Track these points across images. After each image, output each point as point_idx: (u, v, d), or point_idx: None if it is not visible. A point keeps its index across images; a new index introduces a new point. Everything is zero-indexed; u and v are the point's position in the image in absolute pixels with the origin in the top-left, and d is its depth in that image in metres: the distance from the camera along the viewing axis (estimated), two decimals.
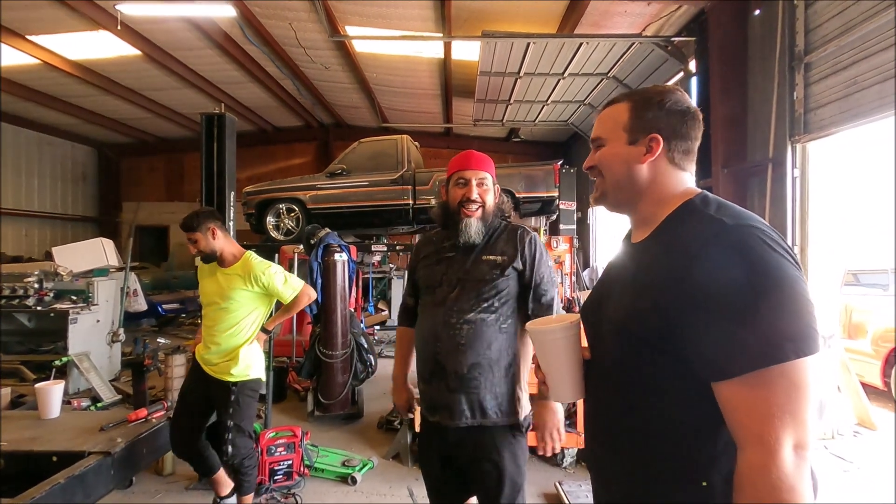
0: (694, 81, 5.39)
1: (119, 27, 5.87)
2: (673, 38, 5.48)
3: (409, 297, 1.88)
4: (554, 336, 1.04)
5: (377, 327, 7.97)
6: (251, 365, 2.52)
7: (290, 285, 2.55)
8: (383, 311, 8.86)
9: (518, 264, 1.68)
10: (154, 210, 12.44)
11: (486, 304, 1.64)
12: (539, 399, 1.65)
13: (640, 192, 0.98)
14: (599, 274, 1.75)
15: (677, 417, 0.86)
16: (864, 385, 4.32)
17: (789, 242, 3.91)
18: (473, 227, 1.68)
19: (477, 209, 1.69)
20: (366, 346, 4.36)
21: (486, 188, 1.72)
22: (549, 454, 1.65)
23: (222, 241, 2.48)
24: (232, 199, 3.17)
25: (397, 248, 7.24)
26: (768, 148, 4.22)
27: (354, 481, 3.18)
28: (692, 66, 5.45)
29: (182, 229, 2.46)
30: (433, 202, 6.90)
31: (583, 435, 1.33)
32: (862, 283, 5.61)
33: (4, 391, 3.83)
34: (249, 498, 2.61)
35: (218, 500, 2.65)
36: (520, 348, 1.69)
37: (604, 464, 1.02)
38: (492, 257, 1.68)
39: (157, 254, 11.97)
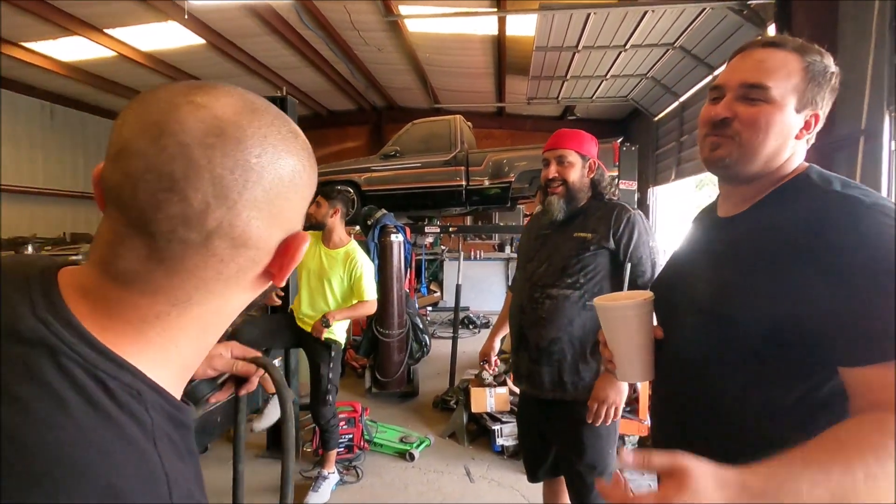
0: None
1: (186, 17, 6.11)
2: (749, 1, 5.04)
3: (518, 269, 1.99)
4: (624, 313, 0.99)
5: (429, 308, 8.05)
6: (342, 332, 2.81)
7: (370, 288, 2.73)
8: (435, 292, 8.94)
9: (610, 244, 1.67)
10: None
11: (570, 280, 1.66)
12: (605, 373, 1.62)
13: (774, 166, 0.87)
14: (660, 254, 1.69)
15: (775, 407, 0.79)
16: None
17: None
18: (555, 205, 1.73)
19: (558, 187, 1.74)
20: (421, 326, 4.42)
21: (568, 165, 1.74)
22: (597, 423, 1.60)
23: (336, 223, 2.70)
24: None
25: (450, 229, 7.24)
26: (860, 118, 3.82)
27: (412, 457, 3.25)
28: (771, 31, 5.00)
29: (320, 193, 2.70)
30: (486, 183, 6.83)
31: (647, 421, 1.27)
32: None
33: None
34: (334, 454, 2.84)
35: (324, 474, 2.83)
36: None
37: (672, 445, 0.96)
38: (582, 234, 1.69)
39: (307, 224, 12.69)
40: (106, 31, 7.08)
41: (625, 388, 1.62)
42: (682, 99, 7.63)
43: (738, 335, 0.82)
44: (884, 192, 3.66)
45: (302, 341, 2.77)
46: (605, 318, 1.03)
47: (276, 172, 0.44)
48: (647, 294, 1.00)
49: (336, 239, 2.70)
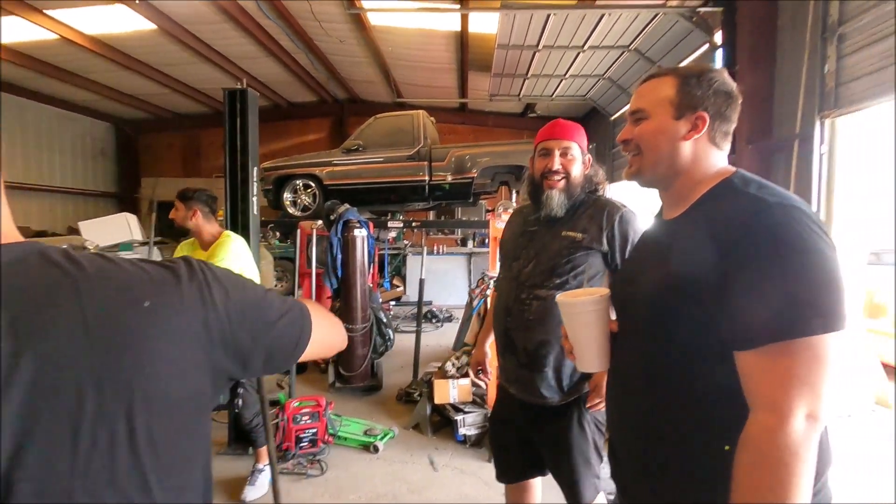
0: (719, 54, 5.23)
1: (138, 1, 5.84)
2: (698, 9, 5.30)
3: (502, 267, 1.89)
4: (584, 309, 1.07)
5: (393, 303, 8.06)
6: None
7: None
8: (398, 287, 8.95)
9: (603, 246, 1.58)
10: (172, 186, 12.34)
11: (559, 281, 1.58)
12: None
13: (680, 169, 0.99)
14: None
15: (705, 385, 0.89)
16: (883, 365, 4.30)
17: None
18: (556, 200, 1.61)
19: (560, 180, 1.62)
20: (384, 320, 4.44)
21: (571, 158, 1.64)
22: (596, 410, 1.65)
23: (201, 223, 2.57)
24: (255, 176, 3.21)
25: (413, 224, 7.27)
26: (795, 123, 4.12)
27: (376, 449, 3.29)
28: (718, 37, 5.28)
29: (176, 196, 2.59)
30: (449, 178, 6.89)
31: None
32: (885, 262, 5.52)
33: None
34: (265, 449, 2.79)
35: (259, 468, 2.82)
36: None
37: (629, 430, 1.06)
38: (572, 233, 1.61)
39: (176, 229, 12.15)
40: (46, 12, 6.67)
41: None
42: (643, 76, 7.91)
43: (676, 319, 0.91)
44: (814, 191, 3.97)
45: None
46: (566, 313, 1.11)
47: None
48: (604, 291, 1.09)
49: (207, 238, 2.59)
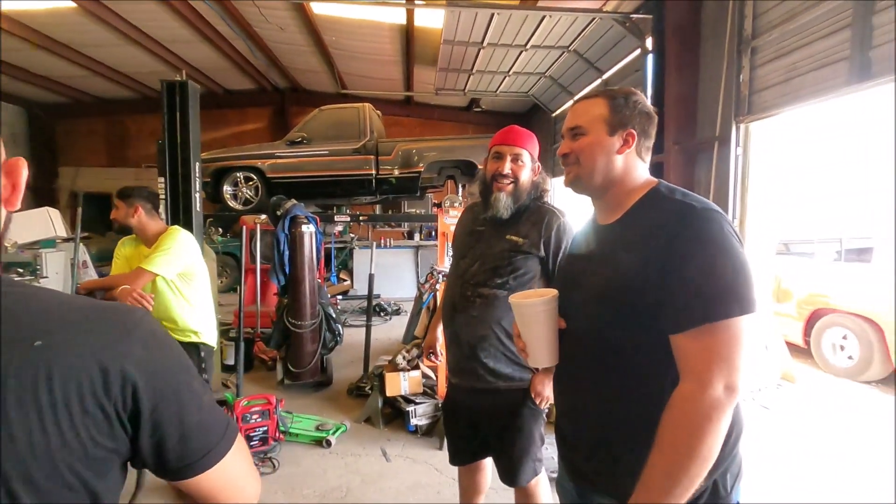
0: (650, 59, 5.58)
1: None
2: (631, 15, 5.63)
3: (452, 262, 1.98)
4: (536, 309, 1.14)
5: (340, 297, 8.00)
6: (212, 333, 2.63)
7: (154, 261, 2.25)
8: (345, 280, 8.88)
9: (541, 251, 1.70)
10: (95, 176, 11.65)
11: (500, 281, 1.71)
12: (544, 372, 1.76)
13: (614, 179, 1.12)
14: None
15: (647, 370, 1.03)
16: (787, 344, 4.82)
17: (731, 215, 4.24)
18: (502, 202, 1.71)
19: (508, 184, 1.72)
20: (333, 315, 4.44)
21: (521, 164, 1.74)
22: (543, 406, 1.79)
23: (144, 221, 2.40)
24: (197, 171, 3.10)
25: (360, 218, 7.24)
26: (715, 126, 4.50)
27: (329, 444, 3.32)
28: (649, 43, 5.64)
29: (115, 194, 2.43)
30: (396, 172, 6.92)
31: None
32: (792, 252, 6.16)
33: None
34: None
35: None
36: None
37: (582, 415, 1.16)
38: (514, 238, 1.72)
39: (101, 223, 11.33)
40: None
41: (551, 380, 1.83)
42: (576, 98, 8.27)
43: (623, 311, 1.03)
44: (731, 189, 4.38)
45: None
46: (520, 313, 1.18)
47: None
48: (553, 292, 1.16)
49: (151, 236, 2.43)
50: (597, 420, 1.11)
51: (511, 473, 1.80)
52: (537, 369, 1.80)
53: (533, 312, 1.15)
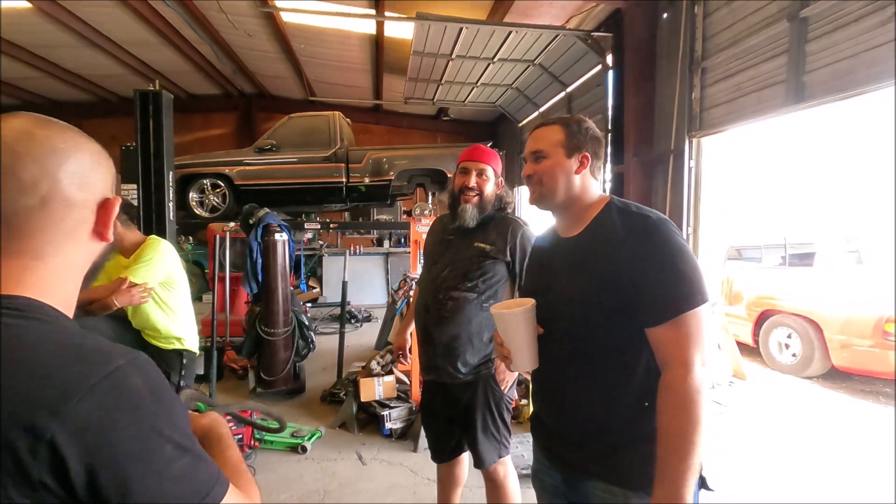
0: (611, 74, 5.89)
1: None
2: (592, 33, 5.92)
3: (424, 269, 2.13)
4: (517, 318, 1.23)
5: (309, 304, 7.96)
6: (194, 339, 2.66)
7: (137, 272, 2.27)
8: (314, 288, 8.84)
9: (507, 256, 1.89)
10: None
11: (470, 284, 1.88)
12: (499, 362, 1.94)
13: (573, 196, 1.27)
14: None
15: (626, 360, 1.17)
16: (738, 343, 5.16)
17: (685, 223, 4.50)
18: (468, 213, 1.90)
19: (474, 196, 1.91)
20: (306, 323, 4.46)
21: (485, 179, 1.93)
22: (505, 390, 1.96)
23: (120, 232, 2.37)
24: (171, 181, 3.11)
25: (330, 225, 7.25)
26: (671, 140, 4.81)
27: (305, 450, 3.36)
28: (609, 60, 5.94)
29: None
30: (366, 180, 6.98)
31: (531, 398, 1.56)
32: (743, 257, 6.57)
33: None
34: None
35: None
36: None
37: (564, 407, 1.28)
38: (482, 245, 1.90)
39: None
40: None
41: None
42: (541, 109, 8.57)
43: (602, 312, 1.16)
44: (685, 198, 4.68)
45: (149, 352, 2.55)
46: (502, 322, 1.26)
47: (80, 152, 0.63)
48: (531, 301, 1.25)
49: (129, 246, 2.43)
50: (584, 412, 1.23)
51: (476, 453, 1.94)
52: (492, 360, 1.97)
53: (514, 321, 1.23)
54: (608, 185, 5.67)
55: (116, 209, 0.67)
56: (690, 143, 4.61)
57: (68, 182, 0.61)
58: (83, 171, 0.63)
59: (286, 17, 6.93)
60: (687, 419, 1.05)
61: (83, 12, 6.94)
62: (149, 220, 3.06)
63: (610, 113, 5.89)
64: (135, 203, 2.60)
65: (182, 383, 2.54)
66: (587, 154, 1.25)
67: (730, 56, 4.13)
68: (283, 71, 9.43)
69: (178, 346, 2.48)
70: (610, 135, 5.74)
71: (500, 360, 1.38)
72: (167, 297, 2.41)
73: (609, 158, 5.61)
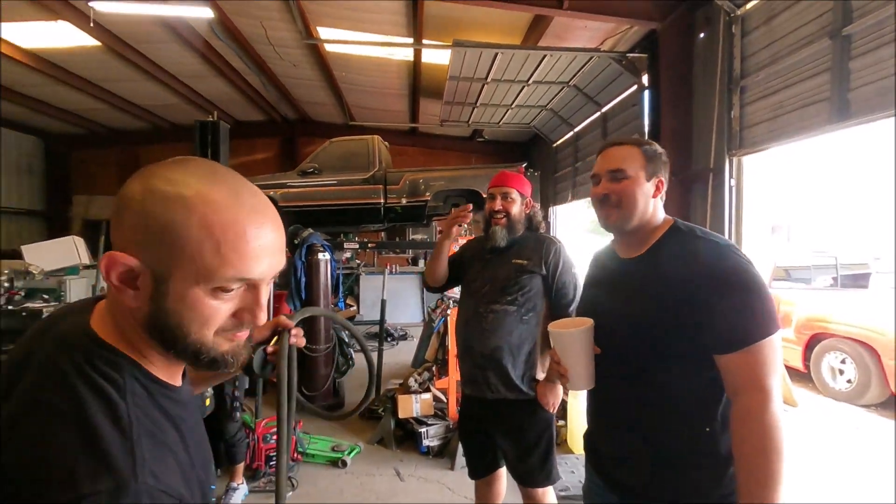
0: (646, 94, 5.89)
1: (92, 24, 5.73)
2: (627, 54, 5.96)
3: (463, 287, 2.18)
4: (575, 337, 1.23)
5: None
6: None
7: None
8: (352, 306, 9.03)
9: (542, 270, 1.99)
10: (107, 204, 11.92)
11: (510, 298, 1.96)
12: (545, 381, 1.97)
13: (647, 219, 1.26)
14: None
15: (686, 384, 1.16)
16: (787, 368, 4.95)
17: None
18: (498, 234, 2.03)
19: (502, 218, 2.04)
20: (346, 340, 4.59)
21: (511, 201, 2.05)
22: (553, 412, 1.99)
23: None
24: None
25: (368, 245, 7.43)
26: (710, 159, 4.74)
27: (344, 464, 3.44)
28: (644, 79, 5.95)
29: None
30: (403, 201, 7.16)
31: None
32: (791, 277, 6.33)
33: None
34: (242, 466, 3.00)
35: (234, 486, 2.90)
36: (538, 337, 2.01)
37: (623, 430, 1.26)
38: (518, 261, 2.00)
39: None
40: None
41: (560, 391, 1.99)
42: (576, 129, 8.61)
43: (664, 334, 1.15)
44: (726, 218, 4.59)
45: None
46: (560, 341, 1.25)
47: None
48: (590, 321, 1.24)
49: None
50: (642, 435, 1.22)
51: (533, 478, 1.96)
52: (537, 381, 1.99)
53: (572, 340, 1.24)
54: None
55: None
56: (730, 161, 4.54)
57: None
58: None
59: (329, 47, 7.28)
60: (771, 448, 1.02)
61: (145, 48, 7.51)
62: None
63: (646, 132, 5.87)
64: None
65: (236, 393, 2.70)
66: (662, 179, 1.26)
67: (770, 74, 4.08)
68: (324, 97, 9.85)
69: None
70: None
71: (555, 378, 1.40)
72: None
73: None
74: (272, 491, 3.07)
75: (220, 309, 0.61)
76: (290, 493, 3.13)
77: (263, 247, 0.60)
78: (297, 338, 0.97)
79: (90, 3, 4.74)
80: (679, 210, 5.13)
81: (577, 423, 3.61)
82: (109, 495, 0.51)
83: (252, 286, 0.63)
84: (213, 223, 0.57)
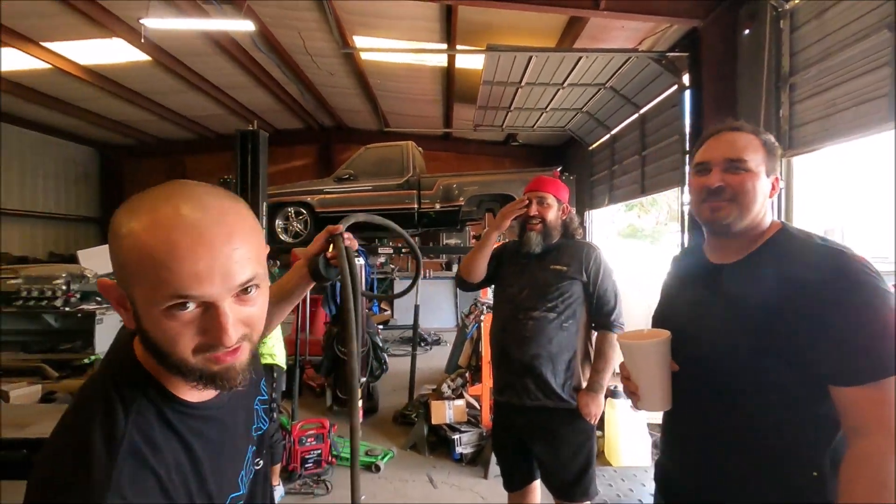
0: (687, 94, 5.69)
1: (143, 40, 6.04)
2: (667, 53, 5.78)
3: (497, 292, 2.17)
4: (647, 351, 1.08)
5: (381, 327, 8.21)
6: (283, 357, 3.04)
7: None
8: (386, 311, 9.11)
9: (583, 276, 1.95)
10: None
11: (550, 305, 1.92)
12: (587, 391, 1.92)
13: (758, 221, 1.07)
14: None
15: (792, 417, 0.97)
16: None
17: None
18: (533, 240, 1.99)
19: (537, 224, 2.00)
20: (380, 345, 4.62)
21: (547, 206, 2.01)
22: (594, 423, 1.95)
23: None
24: (264, 210, 3.41)
25: (402, 250, 7.49)
26: None
27: (378, 469, 3.45)
28: (685, 79, 5.76)
29: None
30: (437, 206, 7.19)
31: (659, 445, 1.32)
32: None
33: (35, 388, 4.07)
34: (278, 468, 3.08)
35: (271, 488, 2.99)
36: (578, 345, 1.95)
37: (701, 464, 1.09)
38: (557, 267, 1.97)
39: None
40: (43, 43, 6.82)
41: (602, 401, 1.94)
42: (612, 132, 8.42)
43: (761, 356, 0.97)
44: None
45: None
46: (631, 354, 1.11)
47: None
48: (666, 333, 1.08)
49: None
50: (729, 474, 1.05)
51: (571, 491, 1.91)
52: (578, 389, 1.93)
53: (645, 354, 1.09)
54: (686, 208, 5.43)
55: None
56: (780, 162, 4.33)
57: None
58: None
59: (364, 55, 7.41)
60: (887, 498, 0.84)
61: (191, 61, 7.86)
62: None
63: (687, 133, 5.68)
64: None
65: (274, 395, 2.77)
66: (778, 178, 1.08)
67: (821, 70, 3.87)
68: (359, 105, 10.03)
69: (270, 361, 2.73)
70: (687, 157, 5.52)
71: (628, 395, 1.19)
72: None
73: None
74: (308, 493, 3.13)
75: (181, 330, 0.61)
76: (325, 496, 3.16)
77: (198, 265, 0.59)
78: (350, 240, 1.04)
79: (141, 21, 4.99)
80: None
81: (615, 433, 3.50)
82: None
83: (209, 305, 0.60)
84: (143, 246, 0.58)
